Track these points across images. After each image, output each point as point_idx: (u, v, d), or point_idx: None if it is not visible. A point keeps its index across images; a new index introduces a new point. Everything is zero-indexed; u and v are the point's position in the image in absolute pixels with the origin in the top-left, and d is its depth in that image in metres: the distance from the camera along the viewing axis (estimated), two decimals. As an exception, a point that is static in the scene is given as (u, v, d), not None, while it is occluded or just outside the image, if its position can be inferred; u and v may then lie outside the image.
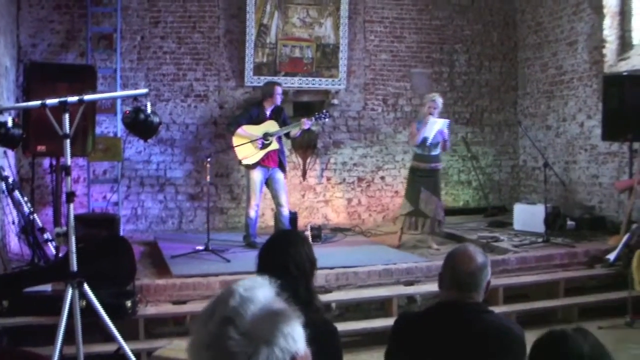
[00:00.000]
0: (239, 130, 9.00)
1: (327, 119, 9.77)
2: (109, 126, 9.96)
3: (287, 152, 10.14)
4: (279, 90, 9.15)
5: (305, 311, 3.13)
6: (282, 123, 9.12)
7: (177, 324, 6.70)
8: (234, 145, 8.99)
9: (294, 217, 9.65)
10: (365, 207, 11.42)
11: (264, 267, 3.18)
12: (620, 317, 7.18)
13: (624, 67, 9.77)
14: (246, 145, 8.87)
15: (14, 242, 8.07)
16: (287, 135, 9.24)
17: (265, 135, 8.90)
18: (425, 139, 8.87)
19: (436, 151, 9.07)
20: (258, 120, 9.06)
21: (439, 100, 9.00)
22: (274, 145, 9.00)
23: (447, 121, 9.16)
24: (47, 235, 7.40)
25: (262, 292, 1.60)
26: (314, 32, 10.77)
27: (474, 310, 3.14)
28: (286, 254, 3.19)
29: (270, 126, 9.01)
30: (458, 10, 11.84)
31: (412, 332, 3.27)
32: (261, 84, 10.04)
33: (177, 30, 10.40)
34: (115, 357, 5.48)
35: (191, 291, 6.92)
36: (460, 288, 3.16)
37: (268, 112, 9.13)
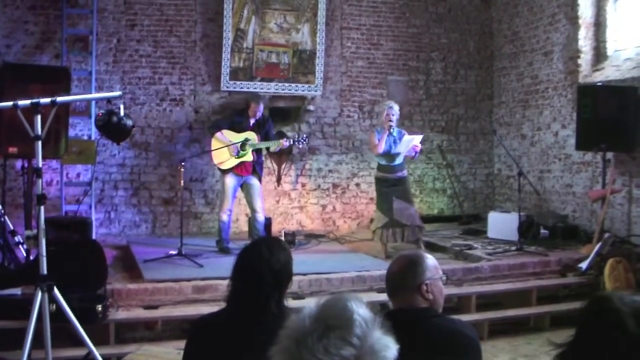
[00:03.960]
0: (218, 134, 8.99)
1: (305, 144, 9.77)
2: (84, 129, 9.87)
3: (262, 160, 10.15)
4: (257, 107, 9.11)
5: (277, 321, 3.10)
6: (265, 134, 9.12)
7: (148, 329, 6.65)
8: (212, 148, 8.98)
9: (268, 222, 9.62)
10: (340, 214, 11.41)
11: (239, 271, 3.15)
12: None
13: (598, 77, 9.86)
14: (222, 150, 8.86)
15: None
16: (266, 148, 9.24)
17: (243, 145, 8.85)
18: (391, 152, 8.82)
19: (400, 159, 8.97)
20: (240, 127, 9.03)
21: (396, 107, 8.95)
22: (249, 157, 8.95)
23: (421, 136, 9.18)
24: (18, 238, 7.32)
25: (367, 312, 1.70)
26: (291, 38, 10.76)
27: (422, 316, 3.03)
28: (264, 261, 3.11)
29: (249, 137, 8.99)
30: (435, 18, 11.89)
31: None
32: (237, 89, 10.24)
33: (154, 34, 10.33)
34: (85, 362, 5.43)
35: (163, 296, 6.87)
36: (390, 291, 3.12)
37: (251, 122, 9.12)
